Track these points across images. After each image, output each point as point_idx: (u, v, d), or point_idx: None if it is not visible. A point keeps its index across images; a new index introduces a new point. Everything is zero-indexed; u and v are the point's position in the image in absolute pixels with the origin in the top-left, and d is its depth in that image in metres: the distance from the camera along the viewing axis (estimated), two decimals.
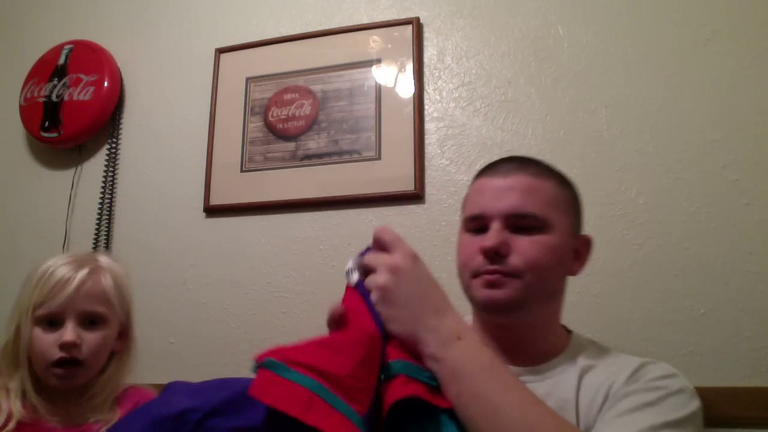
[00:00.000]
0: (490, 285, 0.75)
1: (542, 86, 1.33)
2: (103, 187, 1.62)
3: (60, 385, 0.92)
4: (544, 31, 1.36)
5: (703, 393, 1.09)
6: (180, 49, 1.67)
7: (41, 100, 1.69)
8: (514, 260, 0.75)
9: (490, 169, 0.83)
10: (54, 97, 1.68)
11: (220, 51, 1.60)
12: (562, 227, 0.78)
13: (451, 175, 1.35)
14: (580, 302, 1.19)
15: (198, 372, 1.40)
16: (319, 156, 1.44)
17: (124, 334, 1.01)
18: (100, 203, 1.61)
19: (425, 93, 1.42)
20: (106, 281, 0.97)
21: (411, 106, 1.40)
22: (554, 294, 0.81)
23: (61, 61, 1.70)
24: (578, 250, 0.83)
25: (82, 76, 1.66)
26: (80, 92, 1.65)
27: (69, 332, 0.91)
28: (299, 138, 1.47)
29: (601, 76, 1.30)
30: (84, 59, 1.68)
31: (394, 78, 1.44)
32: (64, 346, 0.91)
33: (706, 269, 1.15)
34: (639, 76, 1.27)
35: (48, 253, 1.61)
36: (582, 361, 0.77)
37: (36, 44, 1.78)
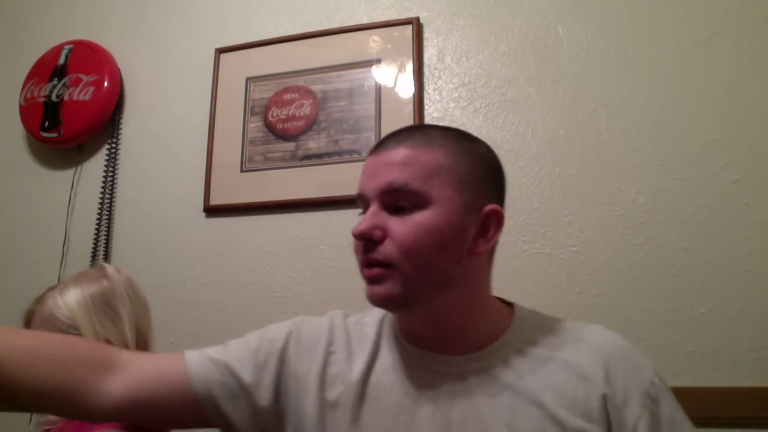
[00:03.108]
0: (371, 281, 0.68)
1: (542, 86, 1.33)
2: (103, 187, 1.62)
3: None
4: (544, 31, 1.36)
5: (703, 393, 1.10)
6: (180, 49, 1.67)
7: (41, 100, 1.69)
8: (388, 246, 0.66)
9: (377, 145, 0.73)
10: (54, 97, 1.68)
11: (220, 51, 1.60)
12: (449, 202, 0.67)
13: None
14: (580, 302, 1.20)
15: None
16: (319, 156, 1.44)
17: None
18: (100, 203, 1.61)
19: (425, 93, 1.42)
20: (41, 315, 1.01)
21: (411, 106, 1.40)
22: (454, 280, 0.68)
23: (61, 61, 1.70)
24: (485, 225, 0.70)
25: (82, 76, 1.66)
26: (80, 92, 1.65)
27: None
28: (299, 138, 1.47)
29: (601, 76, 1.30)
30: (84, 59, 1.68)
31: (394, 78, 1.44)
32: None
33: (706, 269, 1.15)
34: (639, 76, 1.27)
35: (48, 253, 1.63)
36: (532, 346, 0.70)
37: (36, 44, 1.78)
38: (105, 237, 1.60)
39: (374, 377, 0.72)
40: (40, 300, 1.04)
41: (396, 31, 1.46)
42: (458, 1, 1.45)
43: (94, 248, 1.58)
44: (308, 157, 1.45)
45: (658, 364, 1.11)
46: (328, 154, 1.44)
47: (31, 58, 1.76)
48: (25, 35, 1.86)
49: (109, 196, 1.62)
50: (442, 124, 1.39)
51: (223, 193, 1.50)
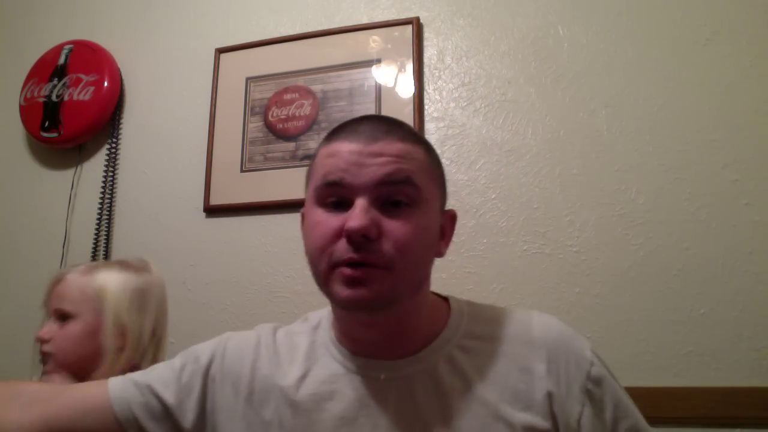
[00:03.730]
0: (354, 282, 0.60)
1: (542, 86, 1.33)
2: (103, 187, 1.62)
3: (43, 373, 1.01)
4: (544, 31, 1.36)
5: (703, 393, 1.10)
6: (180, 49, 1.67)
7: (41, 100, 1.69)
8: (387, 248, 0.60)
9: (346, 131, 0.66)
10: (54, 97, 1.68)
11: (220, 51, 1.60)
12: (434, 202, 0.65)
13: (451, 175, 1.34)
14: (580, 302, 1.20)
15: None
16: None
17: (122, 334, 1.03)
18: (100, 203, 1.61)
19: (425, 93, 1.42)
20: (74, 284, 1.04)
21: (411, 106, 1.39)
22: (425, 280, 0.68)
23: (61, 61, 1.70)
24: (444, 228, 0.69)
25: (82, 76, 1.66)
26: (80, 92, 1.65)
27: (43, 329, 1.03)
28: (299, 138, 1.47)
29: (601, 76, 1.30)
30: (84, 59, 1.68)
31: (394, 78, 1.44)
32: (36, 341, 1.03)
33: (706, 269, 1.15)
34: (639, 76, 1.27)
35: (48, 252, 1.63)
36: (471, 340, 0.68)
37: (36, 44, 1.78)
38: (105, 237, 1.60)
39: (310, 389, 0.68)
40: (74, 271, 1.07)
41: (396, 31, 1.46)
42: (458, 1, 1.45)
43: (94, 248, 1.58)
44: (308, 157, 1.45)
45: (658, 364, 1.12)
46: None
47: (31, 58, 1.76)
48: (25, 35, 1.86)
49: (109, 196, 1.62)
50: (440, 124, 1.39)
51: (223, 193, 1.50)
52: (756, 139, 1.18)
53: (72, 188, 1.66)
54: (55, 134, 1.66)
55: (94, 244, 1.58)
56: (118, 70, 1.70)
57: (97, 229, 1.60)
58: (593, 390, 0.65)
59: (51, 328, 1.02)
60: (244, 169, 1.50)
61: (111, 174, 1.63)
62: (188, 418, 0.70)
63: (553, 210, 1.26)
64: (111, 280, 1.05)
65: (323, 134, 1.44)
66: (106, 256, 1.58)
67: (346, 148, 0.64)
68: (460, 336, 0.69)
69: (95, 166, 1.66)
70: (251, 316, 1.41)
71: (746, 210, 1.15)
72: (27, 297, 1.62)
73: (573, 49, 1.33)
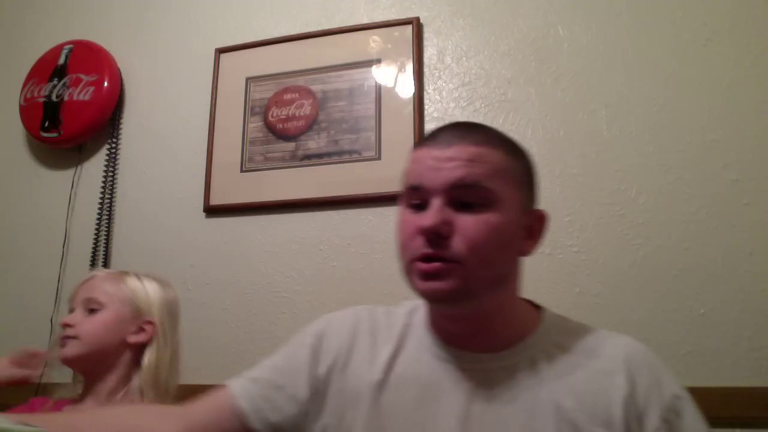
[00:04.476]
0: (430, 276, 0.66)
1: (542, 86, 1.33)
2: (103, 187, 1.62)
3: (61, 356, 1.05)
4: (544, 31, 1.36)
5: (703, 393, 1.10)
6: (180, 49, 1.67)
7: (41, 100, 1.69)
8: (457, 244, 0.65)
9: (431, 138, 0.73)
10: (54, 97, 1.68)
11: (220, 51, 1.60)
12: (511, 202, 0.69)
13: None
14: (580, 302, 1.20)
15: (198, 372, 1.39)
16: (319, 156, 1.44)
17: (142, 330, 1.07)
18: (100, 203, 1.61)
19: (425, 93, 1.42)
20: (108, 279, 1.09)
21: (411, 106, 1.40)
22: (505, 278, 0.71)
23: (61, 61, 1.70)
24: (531, 228, 0.73)
25: (82, 76, 1.66)
26: (80, 92, 1.65)
27: (68, 316, 1.07)
28: (299, 138, 1.47)
29: (601, 76, 1.30)
30: (84, 59, 1.68)
31: (394, 78, 1.44)
32: (61, 326, 1.07)
33: (706, 269, 1.15)
34: (639, 76, 1.27)
35: (48, 252, 1.63)
36: (557, 349, 0.71)
37: (36, 44, 1.78)
38: (105, 237, 1.60)
39: (398, 368, 0.73)
40: (107, 272, 1.13)
41: (396, 31, 1.46)
42: (458, 1, 1.45)
43: (94, 248, 1.58)
44: (308, 157, 1.45)
45: None
46: (328, 154, 1.44)
47: (31, 58, 1.76)
48: (25, 35, 1.86)
49: (109, 196, 1.62)
50: (440, 124, 1.39)
51: (223, 193, 1.50)
52: (756, 139, 1.18)
53: (72, 188, 1.66)
54: (55, 134, 1.66)
55: (94, 244, 1.58)
56: (118, 70, 1.70)
57: (97, 229, 1.60)
58: (673, 421, 0.65)
59: (77, 316, 1.06)
60: (244, 169, 1.50)
61: (111, 174, 1.63)
62: (303, 390, 0.75)
63: (553, 210, 1.25)
64: (148, 285, 1.10)
65: (323, 134, 1.46)
66: (106, 256, 1.58)
67: (426, 154, 0.70)
68: (546, 344, 0.71)
69: (95, 166, 1.66)
70: (251, 316, 1.41)
71: (746, 210, 1.15)
72: (27, 297, 1.62)
73: (573, 49, 1.33)
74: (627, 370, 0.67)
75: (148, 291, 1.09)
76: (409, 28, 1.45)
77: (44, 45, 1.76)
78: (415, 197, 0.70)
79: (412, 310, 0.79)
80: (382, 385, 0.72)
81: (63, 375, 1.49)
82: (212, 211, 1.51)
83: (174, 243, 1.53)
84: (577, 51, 1.33)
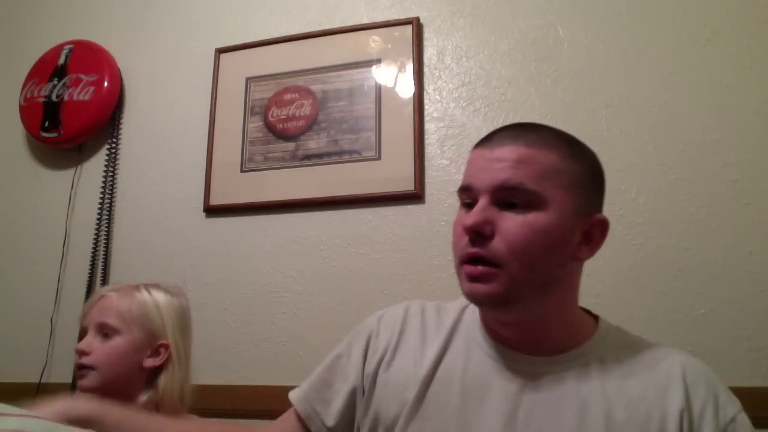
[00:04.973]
0: (474, 278, 0.67)
1: (542, 86, 1.33)
2: (103, 187, 1.62)
3: (80, 387, 1.03)
4: (544, 31, 1.36)
5: None
6: (180, 49, 1.67)
7: (41, 100, 1.69)
8: (498, 244, 0.66)
9: (487, 138, 0.74)
10: (54, 97, 1.68)
11: (220, 51, 1.60)
12: (562, 205, 0.67)
13: (451, 175, 1.34)
14: (580, 302, 1.19)
15: (197, 372, 1.39)
16: (319, 156, 1.44)
17: (157, 353, 1.07)
18: (100, 203, 1.61)
19: (425, 93, 1.42)
20: (120, 301, 1.07)
21: (411, 106, 1.39)
22: (554, 283, 0.69)
23: (61, 61, 1.70)
24: (589, 233, 0.70)
25: (82, 76, 1.66)
26: (80, 92, 1.65)
27: (82, 341, 1.05)
28: (299, 138, 1.47)
29: (601, 76, 1.30)
30: (84, 59, 1.68)
31: (394, 78, 1.44)
32: (76, 352, 1.05)
33: (706, 269, 1.15)
34: (639, 76, 1.27)
35: (48, 252, 1.63)
36: (611, 360, 0.70)
37: (36, 44, 1.78)
38: (105, 237, 1.60)
39: (446, 362, 0.73)
40: (118, 290, 1.10)
41: (396, 31, 1.46)
42: (458, 1, 1.45)
43: (94, 248, 1.58)
44: (308, 157, 1.45)
45: None
46: (328, 154, 1.44)
47: (31, 58, 1.76)
48: (25, 35, 1.86)
49: (109, 196, 1.62)
50: (440, 124, 1.39)
51: (223, 193, 1.50)
52: (756, 139, 1.17)
53: (72, 188, 1.66)
54: (55, 134, 1.66)
55: (94, 244, 1.58)
56: (118, 70, 1.70)
57: (97, 229, 1.60)
58: None
59: (91, 342, 1.05)
60: (244, 169, 1.50)
61: (111, 174, 1.63)
62: (350, 383, 0.78)
63: None
64: (160, 299, 1.09)
65: (323, 134, 1.46)
66: (106, 256, 1.58)
67: (479, 154, 0.72)
68: (601, 353, 0.71)
69: (95, 166, 1.66)
70: (251, 316, 1.41)
71: (746, 210, 1.15)
72: (27, 297, 1.62)
73: (573, 49, 1.33)
74: (684, 385, 0.66)
75: (161, 308, 1.09)
76: (409, 28, 1.45)
77: (44, 45, 1.76)
78: (466, 196, 0.71)
79: (464, 307, 0.80)
80: (429, 379, 0.72)
81: (63, 375, 1.50)
82: (212, 211, 1.51)
83: (174, 243, 1.53)
84: (577, 51, 1.33)
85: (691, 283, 1.15)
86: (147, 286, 1.11)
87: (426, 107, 1.41)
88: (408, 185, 1.35)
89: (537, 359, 0.70)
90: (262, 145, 1.50)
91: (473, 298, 0.69)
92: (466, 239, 0.68)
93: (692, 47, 1.25)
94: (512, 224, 0.66)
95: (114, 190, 1.63)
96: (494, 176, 0.67)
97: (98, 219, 1.60)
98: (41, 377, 1.51)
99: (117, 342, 1.04)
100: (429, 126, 1.39)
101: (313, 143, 1.46)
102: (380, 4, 1.51)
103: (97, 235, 1.59)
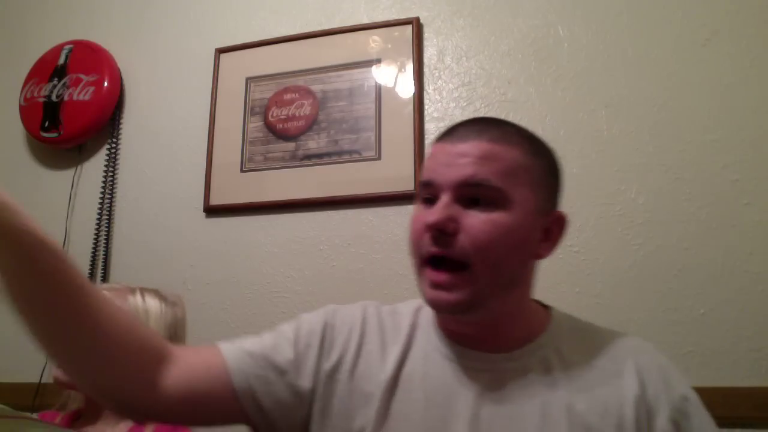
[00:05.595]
0: (437, 286, 0.65)
1: (542, 86, 1.33)
2: (103, 187, 1.62)
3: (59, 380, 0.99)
4: (544, 31, 1.36)
5: (703, 393, 1.10)
6: (180, 49, 1.67)
7: (41, 100, 1.69)
8: (462, 242, 0.63)
9: (448, 132, 0.71)
10: (54, 97, 1.68)
11: (220, 51, 1.60)
12: (525, 203, 0.66)
13: None
14: (580, 302, 1.20)
15: None
16: (319, 156, 1.44)
17: None
18: (100, 203, 1.61)
19: (425, 93, 1.42)
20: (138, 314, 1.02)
21: (411, 106, 1.40)
22: (515, 282, 0.69)
23: (61, 61, 1.70)
24: (549, 230, 0.71)
25: (82, 76, 1.66)
26: (80, 92, 1.65)
27: None
28: (299, 138, 1.47)
29: (601, 76, 1.30)
30: (84, 59, 1.68)
31: (394, 78, 1.44)
32: None
33: (706, 269, 1.15)
34: (639, 76, 1.27)
35: None
36: (567, 350, 0.70)
37: (36, 44, 1.78)
38: (105, 237, 1.60)
39: (407, 368, 0.71)
40: (113, 290, 1.04)
41: (396, 31, 1.46)
42: (458, 1, 1.45)
43: (94, 248, 1.58)
44: (308, 157, 1.45)
45: None
46: (328, 154, 1.44)
47: (31, 58, 1.76)
48: (25, 35, 1.86)
49: (109, 196, 1.62)
50: (440, 124, 1.39)
51: (223, 193, 1.51)
52: (756, 139, 1.18)
53: (72, 188, 1.66)
54: (55, 134, 1.66)
55: (94, 244, 1.58)
56: (118, 70, 1.70)
57: (97, 229, 1.60)
58: (681, 422, 0.64)
59: None
60: (244, 169, 1.50)
61: (111, 174, 1.63)
62: (305, 381, 0.71)
63: None
64: (154, 313, 1.04)
65: (323, 134, 1.46)
66: (106, 256, 1.58)
67: (440, 149, 0.69)
68: (557, 344, 0.70)
69: (95, 166, 1.66)
70: (251, 316, 1.41)
71: (746, 210, 1.15)
72: None
73: (573, 49, 1.33)
74: (636, 370, 0.67)
75: (150, 317, 1.02)
76: (409, 28, 1.45)
77: (44, 45, 1.76)
78: (426, 192, 0.68)
79: (417, 309, 0.77)
80: (392, 386, 0.70)
81: None
82: (212, 211, 1.51)
83: (174, 243, 1.53)
84: (577, 51, 1.33)
85: (691, 283, 1.15)
86: (144, 291, 1.06)
87: (426, 107, 1.41)
88: (408, 185, 1.35)
89: (496, 356, 0.69)
90: (262, 145, 1.50)
91: (436, 306, 0.67)
92: (427, 237, 0.65)
93: (692, 47, 1.25)
94: (476, 222, 0.64)
95: (114, 190, 1.63)
96: (458, 172, 0.65)
97: (98, 219, 1.60)
98: (41, 377, 1.51)
99: None
100: (429, 126, 1.39)
101: (313, 143, 1.46)
102: (380, 4, 1.51)
103: (97, 235, 1.59)
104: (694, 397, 0.67)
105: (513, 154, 0.67)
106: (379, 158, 1.39)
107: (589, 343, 0.71)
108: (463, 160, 0.66)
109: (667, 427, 0.64)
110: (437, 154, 0.69)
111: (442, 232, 0.64)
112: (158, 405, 0.65)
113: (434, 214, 0.64)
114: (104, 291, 1.03)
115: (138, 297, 1.04)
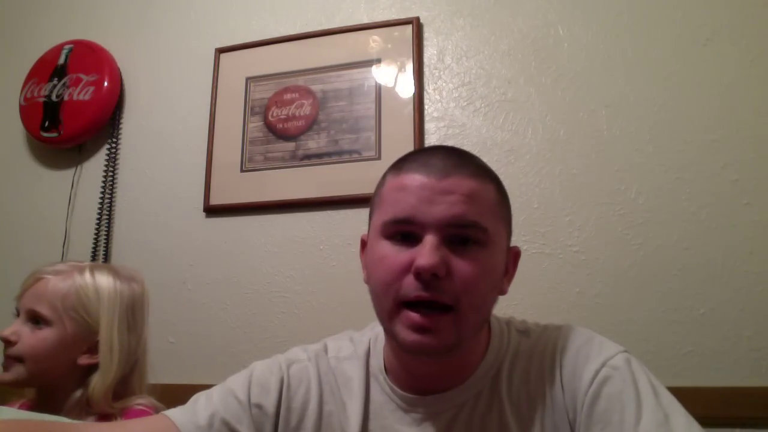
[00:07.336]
0: (421, 329, 0.60)
1: (542, 86, 1.33)
2: (103, 187, 1.62)
3: (1, 380, 0.93)
4: (544, 31, 1.36)
5: (703, 393, 1.10)
6: (180, 49, 1.67)
7: (41, 100, 1.69)
8: (454, 286, 0.60)
9: (418, 162, 0.65)
10: (54, 97, 1.68)
11: (220, 51, 1.60)
12: (500, 241, 0.65)
13: None
14: (580, 302, 1.20)
15: (198, 372, 1.40)
16: (319, 156, 1.44)
17: (94, 350, 0.95)
18: (100, 203, 1.61)
19: (425, 93, 1.42)
20: (57, 286, 0.95)
21: (411, 106, 1.39)
22: (487, 321, 0.68)
23: (61, 61, 1.70)
24: (507, 265, 0.69)
25: (82, 76, 1.66)
26: (80, 92, 1.65)
27: (8, 328, 0.94)
28: (299, 138, 1.47)
29: (601, 76, 1.30)
30: (84, 59, 1.68)
31: (394, 78, 1.44)
32: (1, 339, 0.94)
33: (706, 269, 1.15)
34: (639, 76, 1.27)
35: (48, 252, 1.63)
36: (510, 361, 0.69)
37: (36, 44, 1.78)
38: (105, 237, 1.60)
39: (371, 426, 0.69)
40: (59, 272, 0.97)
41: (396, 31, 1.46)
42: (458, 1, 1.45)
43: (94, 248, 1.58)
44: (308, 157, 1.45)
45: (658, 364, 1.12)
46: (328, 154, 1.44)
47: (31, 58, 1.76)
48: (25, 35, 1.86)
49: (109, 196, 1.62)
50: (440, 124, 1.39)
51: (223, 192, 1.50)
52: (756, 139, 1.17)
53: (72, 188, 1.66)
54: (55, 134, 1.66)
55: (94, 244, 1.58)
56: (118, 70, 1.70)
57: (97, 229, 1.60)
58: (601, 383, 0.62)
59: (20, 330, 0.93)
60: (244, 169, 1.50)
61: (111, 174, 1.63)
62: None
63: (553, 210, 1.26)
64: (105, 292, 0.96)
65: (323, 134, 1.45)
66: (106, 256, 1.58)
67: (417, 182, 0.63)
68: (501, 358, 0.69)
69: (95, 166, 1.66)
70: (251, 315, 1.41)
71: (746, 210, 1.15)
72: None
73: (573, 49, 1.33)
74: (559, 361, 0.66)
75: (101, 296, 0.95)
76: (409, 28, 1.45)
77: (44, 45, 1.76)
78: (402, 229, 0.63)
79: (365, 354, 0.74)
80: None
81: None
82: (212, 210, 1.51)
83: (174, 243, 1.53)
84: (577, 51, 1.33)
85: (691, 283, 1.15)
86: (94, 269, 0.98)
87: (426, 107, 1.41)
88: None
89: (453, 392, 0.67)
90: (262, 144, 1.50)
91: (418, 350, 0.62)
92: (410, 280, 0.60)
93: (692, 47, 1.25)
94: (466, 264, 0.61)
95: (114, 190, 1.63)
96: (446, 211, 0.61)
97: (98, 219, 1.60)
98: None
99: (47, 334, 0.92)
100: (429, 126, 1.39)
101: (313, 143, 1.46)
102: (380, 4, 1.51)
103: (97, 235, 1.59)
104: (616, 361, 0.63)
105: (490, 192, 0.65)
106: (379, 158, 1.39)
107: (526, 347, 0.70)
108: (450, 198, 0.61)
109: (590, 400, 0.62)
110: (412, 188, 0.63)
111: (435, 276, 0.60)
112: None
113: (426, 257, 0.59)
114: (48, 275, 0.96)
115: (87, 275, 0.96)
